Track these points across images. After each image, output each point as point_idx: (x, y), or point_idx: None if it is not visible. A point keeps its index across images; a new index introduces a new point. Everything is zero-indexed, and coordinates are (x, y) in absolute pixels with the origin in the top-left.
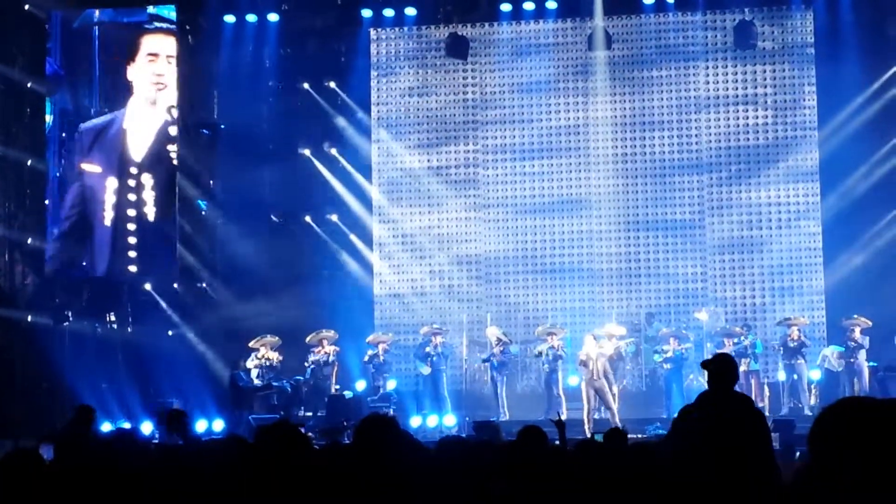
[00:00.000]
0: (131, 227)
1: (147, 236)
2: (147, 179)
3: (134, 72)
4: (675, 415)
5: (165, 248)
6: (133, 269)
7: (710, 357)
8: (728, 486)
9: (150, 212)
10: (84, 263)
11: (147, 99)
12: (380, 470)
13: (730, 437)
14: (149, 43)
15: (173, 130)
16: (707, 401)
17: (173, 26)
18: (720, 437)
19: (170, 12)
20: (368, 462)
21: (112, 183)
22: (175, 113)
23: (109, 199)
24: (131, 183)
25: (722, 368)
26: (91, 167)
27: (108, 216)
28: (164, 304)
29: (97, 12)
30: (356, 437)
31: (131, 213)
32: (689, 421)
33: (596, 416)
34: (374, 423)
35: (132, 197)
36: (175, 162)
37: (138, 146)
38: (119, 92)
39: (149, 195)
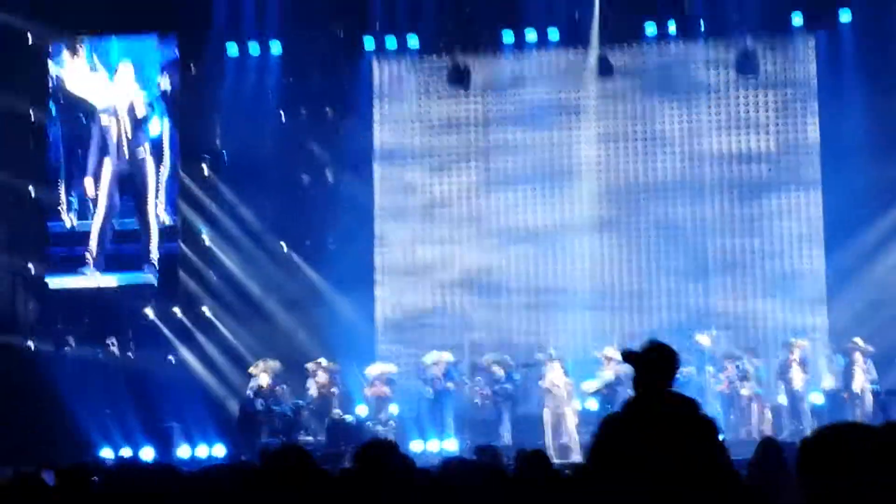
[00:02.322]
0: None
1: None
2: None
3: None
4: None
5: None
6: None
7: (647, 349)
8: None
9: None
10: None
11: None
12: (379, 495)
13: (668, 453)
14: None
15: None
16: (635, 407)
17: None
18: (654, 452)
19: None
20: (368, 487)
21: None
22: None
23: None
24: None
25: (653, 361)
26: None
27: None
28: (165, 330)
29: None
30: (356, 462)
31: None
32: (611, 437)
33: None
34: (374, 448)
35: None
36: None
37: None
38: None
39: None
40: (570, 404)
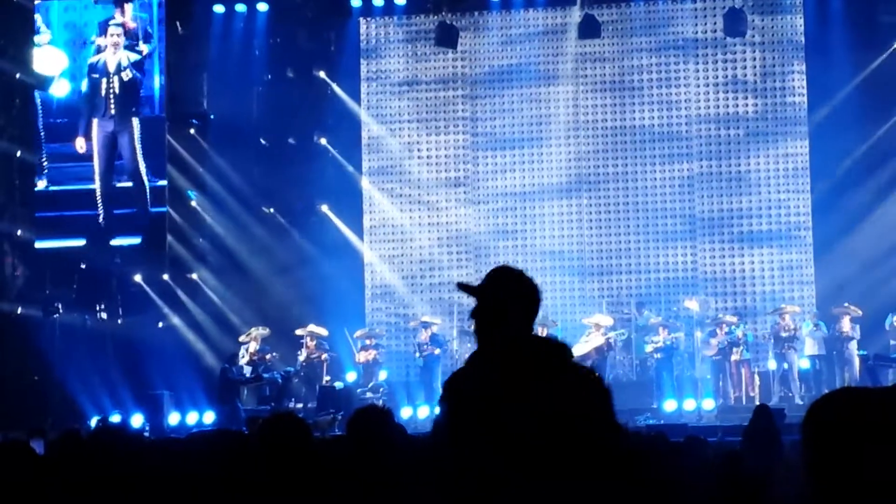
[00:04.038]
0: None
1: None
2: None
3: None
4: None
5: None
6: None
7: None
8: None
9: None
10: None
11: None
12: (373, 461)
13: (534, 415)
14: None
15: None
16: (483, 359)
17: None
18: (514, 416)
19: None
20: (362, 454)
21: None
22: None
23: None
24: None
25: (505, 294)
26: None
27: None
28: (154, 296)
29: None
30: (349, 429)
31: None
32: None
33: None
34: (367, 414)
35: None
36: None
37: None
38: None
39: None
40: None
